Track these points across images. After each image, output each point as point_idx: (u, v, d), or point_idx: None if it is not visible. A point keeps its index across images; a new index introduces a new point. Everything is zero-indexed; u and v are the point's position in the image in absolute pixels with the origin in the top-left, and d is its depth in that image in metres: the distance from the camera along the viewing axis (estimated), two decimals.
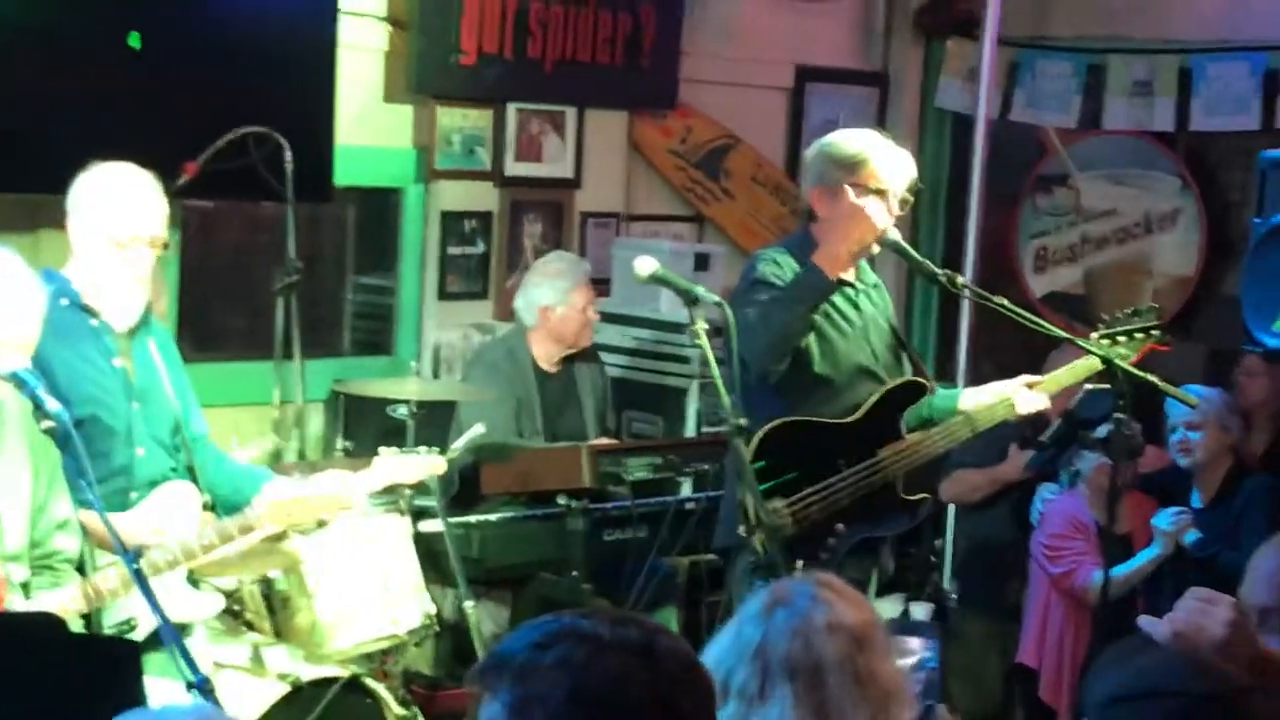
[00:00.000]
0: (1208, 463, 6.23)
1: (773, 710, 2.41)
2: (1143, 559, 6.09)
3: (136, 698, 3.78)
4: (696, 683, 2.10)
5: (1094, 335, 5.32)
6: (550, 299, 6.48)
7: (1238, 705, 2.40)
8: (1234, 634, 2.44)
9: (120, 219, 4.48)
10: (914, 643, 5.88)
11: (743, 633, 2.49)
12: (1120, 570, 5.87)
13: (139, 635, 4.22)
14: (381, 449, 4.95)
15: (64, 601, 4.11)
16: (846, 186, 4.95)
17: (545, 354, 6.52)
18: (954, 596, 6.92)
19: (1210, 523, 6.12)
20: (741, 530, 4.56)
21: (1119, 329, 5.34)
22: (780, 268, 4.94)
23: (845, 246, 4.91)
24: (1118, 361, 5.08)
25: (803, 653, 2.43)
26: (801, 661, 2.42)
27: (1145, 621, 2.52)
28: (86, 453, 3.97)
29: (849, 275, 5.08)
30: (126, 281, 4.51)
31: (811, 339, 4.93)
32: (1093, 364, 5.21)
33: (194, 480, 4.60)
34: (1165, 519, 6.07)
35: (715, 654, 2.51)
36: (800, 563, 4.60)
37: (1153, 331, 5.39)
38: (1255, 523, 6.08)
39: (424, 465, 5.00)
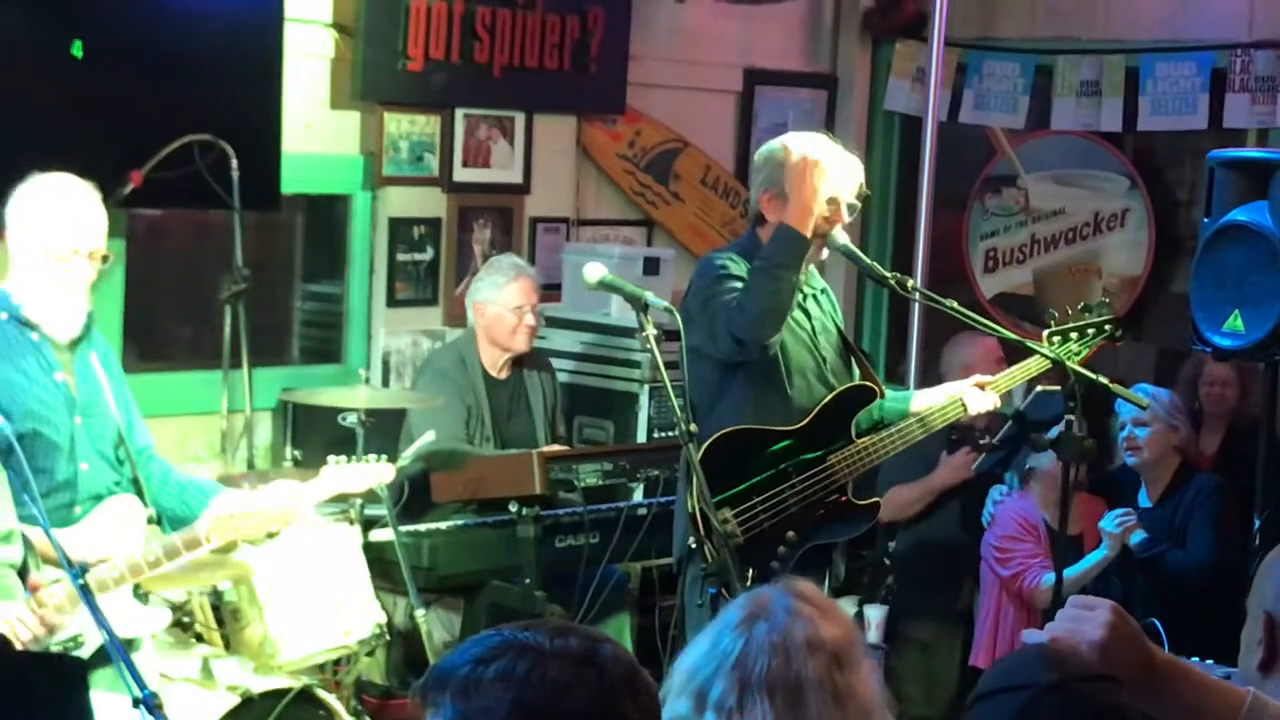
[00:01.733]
0: (1155, 461, 6.25)
1: None
2: (1090, 561, 6.11)
3: (83, 714, 3.75)
4: (640, 689, 2.10)
5: (1045, 333, 5.33)
6: (484, 295, 6.47)
7: (1081, 692, 2.41)
8: (1112, 636, 2.46)
9: (58, 233, 4.42)
10: None
11: (720, 643, 2.46)
12: (1069, 573, 5.88)
13: (85, 651, 4.18)
14: (330, 458, 4.92)
15: (9, 619, 4.07)
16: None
17: (490, 359, 6.49)
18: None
19: (1157, 522, 6.15)
20: (691, 541, 4.54)
21: (1070, 326, 5.35)
22: (737, 264, 4.93)
23: (809, 199, 4.86)
24: (1069, 363, 5.09)
25: (782, 670, 2.40)
26: (781, 678, 2.40)
27: (1029, 634, 2.54)
28: (29, 468, 3.94)
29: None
30: (65, 295, 4.45)
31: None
32: (1043, 362, 5.22)
33: (139, 494, 4.55)
34: (1111, 521, 6.09)
35: (691, 662, 2.48)
36: (752, 571, 4.59)
37: (1105, 328, 5.40)
38: (1201, 522, 6.11)
39: (372, 474, 4.97)
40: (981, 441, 6.46)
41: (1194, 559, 6.03)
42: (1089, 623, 2.47)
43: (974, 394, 5.19)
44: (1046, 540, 6.22)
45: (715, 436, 4.76)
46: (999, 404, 5.28)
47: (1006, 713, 2.41)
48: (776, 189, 4.98)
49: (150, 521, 4.55)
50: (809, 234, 4.86)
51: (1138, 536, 6.07)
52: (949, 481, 6.54)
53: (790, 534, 4.87)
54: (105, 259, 4.51)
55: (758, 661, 2.41)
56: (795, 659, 2.40)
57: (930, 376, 7.15)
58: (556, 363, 6.92)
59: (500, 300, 6.43)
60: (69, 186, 4.48)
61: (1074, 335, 5.34)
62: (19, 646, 4.03)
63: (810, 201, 4.86)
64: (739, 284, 4.85)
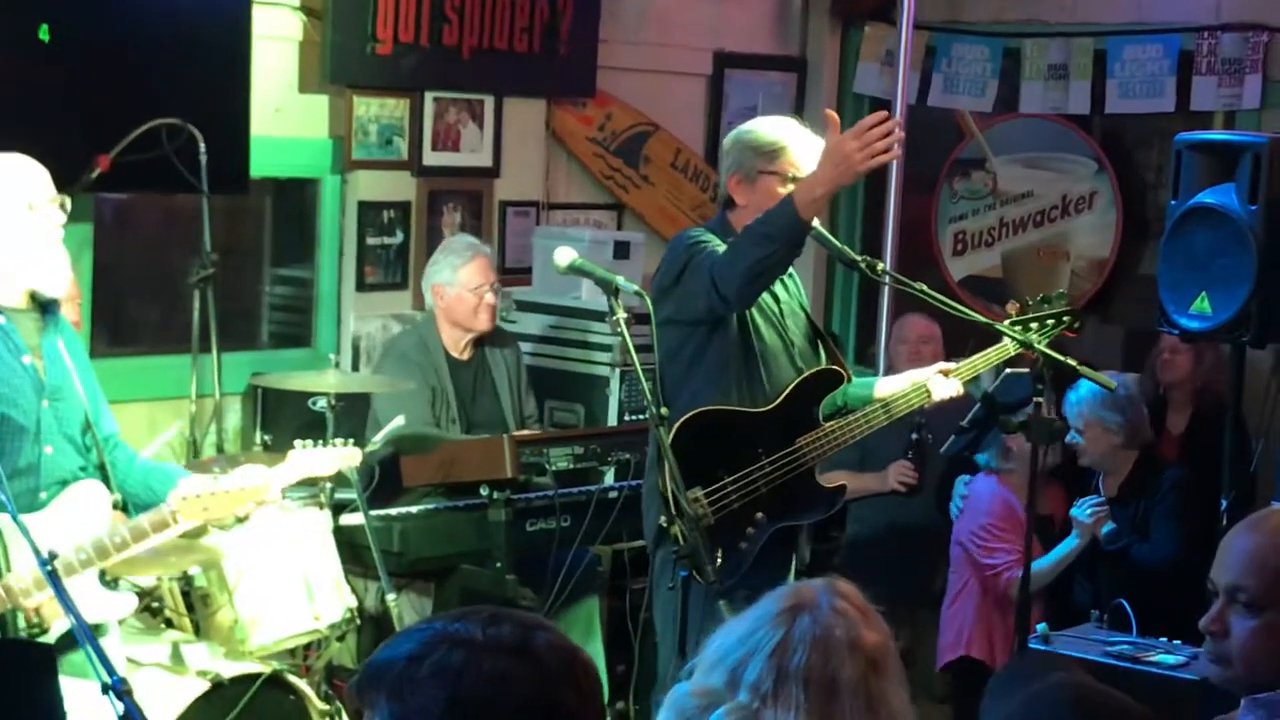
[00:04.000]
0: (1101, 459, 6.24)
1: (785, 715, 2.41)
2: (1062, 551, 6.11)
3: (52, 700, 3.75)
4: (579, 675, 2.07)
5: (1005, 324, 5.33)
6: (441, 277, 6.46)
7: None
8: None
9: (26, 185, 4.44)
10: None
11: (760, 629, 2.47)
12: (1041, 563, 5.89)
13: (52, 636, 4.17)
14: (296, 442, 4.91)
15: None
16: (763, 175, 4.94)
17: (452, 340, 6.47)
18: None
19: (1120, 514, 6.16)
20: (662, 520, 4.55)
21: (1030, 317, 5.35)
22: (710, 240, 4.91)
23: (824, 189, 4.72)
24: (1038, 345, 5.10)
25: (820, 665, 2.41)
26: (818, 674, 2.41)
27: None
28: None
29: None
30: (51, 244, 4.47)
31: (736, 325, 4.92)
32: (1007, 349, 5.23)
33: (104, 479, 4.54)
34: (1083, 510, 6.09)
35: (728, 642, 2.47)
36: (720, 552, 4.60)
37: (1063, 319, 5.41)
38: (1164, 516, 6.13)
39: (339, 457, 4.96)
40: (943, 450, 6.47)
41: (1159, 552, 6.05)
42: None
43: (938, 380, 5.19)
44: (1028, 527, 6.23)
45: (685, 418, 4.77)
46: (961, 390, 5.28)
47: None
48: (744, 172, 4.98)
49: (115, 507, 4.54)
50: (810, 221, 4.74)
51: (1108, 527, 6.09)
52: (873, 489, 6.53)
53: (759, 515, 4.89)
54: (64, 206, 4.53)
55: (797, 652, 2.42)
56: (834, 658, 2.42)
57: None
58: (526, 346, 6.91)
59: (459, 281, 6.42)
60: (7, 154, 4.50)
61: (1034, 326, 5.34)
62: None
63: (825, 193, 4.73)
64: (720, 246, 4.81)
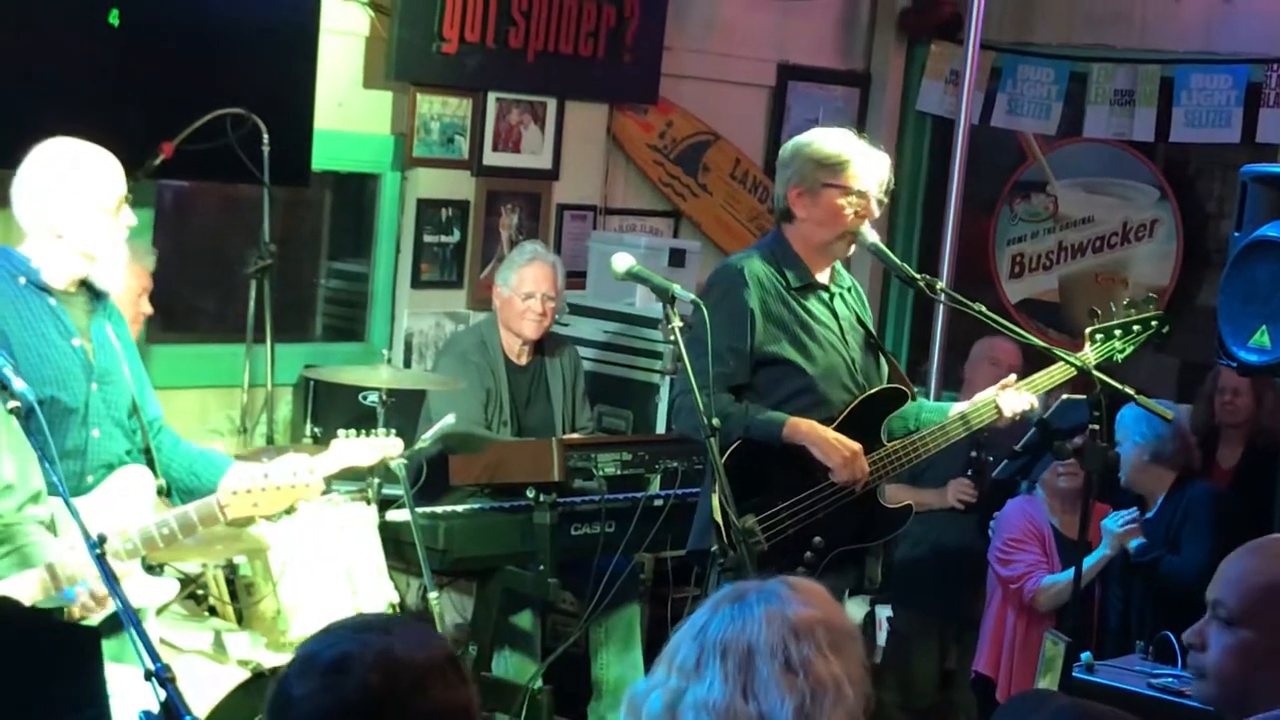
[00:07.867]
0: (1135, 479, 6.22)
1: (703, 686, 2.45)
2: (1089, 561, 6.08)
3: (96, 683, 3.75)
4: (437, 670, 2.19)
5: (1088, 330, 5.27)
6: (501, 276, 6.47)
7: None
8: None
9: (109, 186, 4.44)
10: None
11: (694, 618, 2.52)
12: (1067, 575, 5.87)
13: (96, 620, 4.18)
14: (340, 432, 4.91)
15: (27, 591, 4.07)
16: (826, 187, 4.90)
17: (510, 344, 6.47)
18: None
19: (1153, 528, 6.14)
20: (715, 549, 4.50)
21: (1115, 323, 5.27)
22: (746, 290, 4.84)
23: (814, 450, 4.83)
24: (1094, 372, 5.05)
25: (737, 634, 2.46)
26: (734, 642, 2.45)
27: None
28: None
29: (824, 278, 5.02)
30: (118, 245, 4.48)
31: (793, 350, 4.88)
32: (1069, 369, 5.16)
33: (149, 464, 4.55)
34: (1115, 521, 6.09)
35: (674, 638, 2.53)
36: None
37: (1151, 324, 5.32)
38: (1195, 529, 6.10)
39: (380, 447, 4.93)
40: (994, 474, 6.40)
41: (1190, 566, 6.00)
42: None
43: (1006, 395, 5.10)
44: (1054, 545, 6.21)
45: (738, 442, 4.71)
46: (1035, 404, 5.20)
47: None
48: (806, 184, 4.93)
49: (160, 493, 4.55)
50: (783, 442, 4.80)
51: (1136, 541, 6.06)
52: (932, 504, 6.49)
53: (817, 539, 4.83)
54: (129, 199, 4.55)
55: (717, 627, 2.46)
56: (750, 627, 2.47)
57: (951, 378, 7.16)
58: (578, 350, 6.90)
59: (511, 284, 6.42)
60: (84, 144, 4.50)
61: (1118, 333, 5.27)
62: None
63: (812, 447, 4.81)
64: (709, 351, 4.58)
